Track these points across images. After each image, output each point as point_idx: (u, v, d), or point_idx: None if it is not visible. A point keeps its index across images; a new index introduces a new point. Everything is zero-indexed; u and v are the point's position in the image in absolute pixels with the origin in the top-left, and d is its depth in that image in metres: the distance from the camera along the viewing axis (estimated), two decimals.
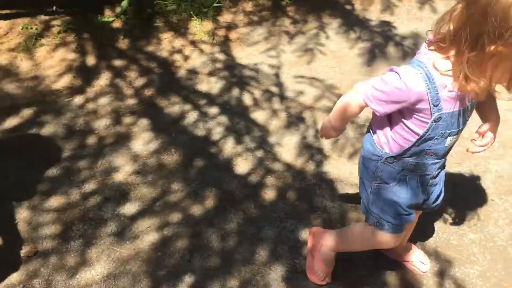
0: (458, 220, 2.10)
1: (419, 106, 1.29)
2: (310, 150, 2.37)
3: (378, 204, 1.55)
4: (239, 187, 2.17)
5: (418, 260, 1.90)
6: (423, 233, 2.00)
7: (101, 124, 2.40)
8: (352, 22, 3.34)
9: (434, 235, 2.03)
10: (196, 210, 2.06)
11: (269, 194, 2.15)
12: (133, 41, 2.89)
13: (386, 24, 3.35)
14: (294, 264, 1.89)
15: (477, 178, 2.30)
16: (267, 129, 2.46)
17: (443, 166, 1.55)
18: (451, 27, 1.21)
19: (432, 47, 1.30)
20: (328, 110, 2.58)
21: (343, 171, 2.27)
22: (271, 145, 2.37)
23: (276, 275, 1.85)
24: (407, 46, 3.13)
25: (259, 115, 2.53)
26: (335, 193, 2.17)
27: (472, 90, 1.20)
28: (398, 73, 1.29)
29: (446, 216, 2.11)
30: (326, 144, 2.39)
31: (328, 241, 1.78)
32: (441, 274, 1.89)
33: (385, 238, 1.60)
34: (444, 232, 2.04)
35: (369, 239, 1.66)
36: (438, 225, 2.07)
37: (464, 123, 1.39)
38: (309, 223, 2.03)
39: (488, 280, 1.89)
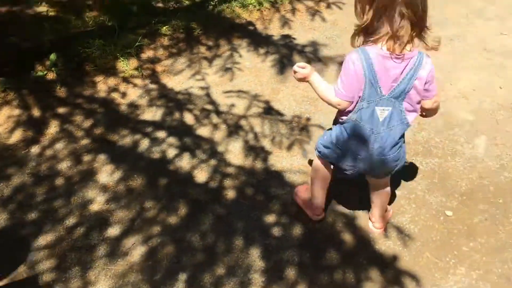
0: None
1: None
2: (254, 151, 2.74)
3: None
4: (202, 194, 2.48)
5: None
6: (362, 199, 2.46)
7: (63, 166, 2.60)
8: (258, 40, 3.79)
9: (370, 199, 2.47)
10: (171, 220, 2.34)
11: (229, 194, 2.49)
12: (70, 89, 3.10)
13: (287, 37, 3.85)
14: (266, 244, 2.24)
15: None
16: (213, 141, 2.80)
17: None
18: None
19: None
20: (259, 115, 2.99)
21: (285, 163, 2.67)
22: (220, 153, 2.72)
23: (253, 256, 2.19)
24: (309, 52, 3.64)
25: (202, 131, 2.87)
26: (283, 182, 2.56)
27: None
28: None
29: None
30: (266, 143, 2.79)
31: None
32: None
33: None
34: None
35: None
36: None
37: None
38: (269, 210, 2.40)
39: (417, 223, 2.37)
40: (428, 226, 2.36)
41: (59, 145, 2.72)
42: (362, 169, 2.02)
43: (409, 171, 2.65)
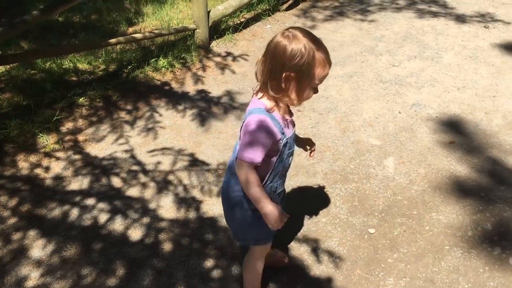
0: (310, 213, 2.77)
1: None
2: (185, 202, 2.84)
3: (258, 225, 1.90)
4: (139, 252, 2.52)
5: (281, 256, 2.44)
6: (292, 231, 2.61)
7: None
8: (175, 98, 3.96)
9: (299, 230, 2.64)
10: (111, 282, 2.35)
11: (166, 247, 2.55)
12: None
13: (202, 92, 4.05)
14: None
15: (312, 179, 3.03)
16: (143, 200, 2.87)
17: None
18: (260, 77, 1.73)
19: (259, 96, 1.75)
20: (185, 168, 3.11)
21: (216, 209, 2.79)
22: (152, 210, 2.79)
23: None
24: (225, 103, 3.86)
25: (132, 192, 2.93)
26: (216, 228, 2.67)
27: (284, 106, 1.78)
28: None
29: (301, 213, 2.76)
30: (195, 193, 2.90)
31: None
32: (314, 252, 2.50)
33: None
34: (304, 226, 2.68)
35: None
36: (297, 222, 2.70)
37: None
38: (206, 256, 2.49)
39: (345, 244, 2.56)
40: (355, 246, 2.55)
41: None
42: None
43: (330, 198, 2.86)
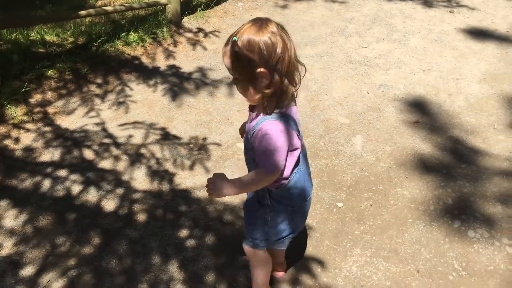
0: None
1: None
2: (158, 175, 2.87)
3: None
4: (113, 222, 2.55)
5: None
6: None
7: None
8: (146, 73, 3.94)
9: None
10: (86, 251, 2.38)
11: (139, 218, 2.58)
12: None
13: (173, 67, 4.05)
14: (182, 257, 2.37)
15: None
16: (116, 172, 2.88)
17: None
18: None
19: None
20: (157, 142, 3.13)
21: (189, 182, 2.83)
22: (125, 182, 2.81)
23: (173, 269, 2.30)
24: (196, 78, 3.87)
25: (104, 164, 2.93)
26: (189, 200, 2.72)
27: None
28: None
29: None
30: (168, 166, 2.93)
31: None
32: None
33: None
34: None
35: None
36: None
37: (246, 151, 1.74)
38: (180, 226, 2.54)
39: (314, 218, 2.64)
40: (323, 219, 2.65)
41: None
42: None
43: None
